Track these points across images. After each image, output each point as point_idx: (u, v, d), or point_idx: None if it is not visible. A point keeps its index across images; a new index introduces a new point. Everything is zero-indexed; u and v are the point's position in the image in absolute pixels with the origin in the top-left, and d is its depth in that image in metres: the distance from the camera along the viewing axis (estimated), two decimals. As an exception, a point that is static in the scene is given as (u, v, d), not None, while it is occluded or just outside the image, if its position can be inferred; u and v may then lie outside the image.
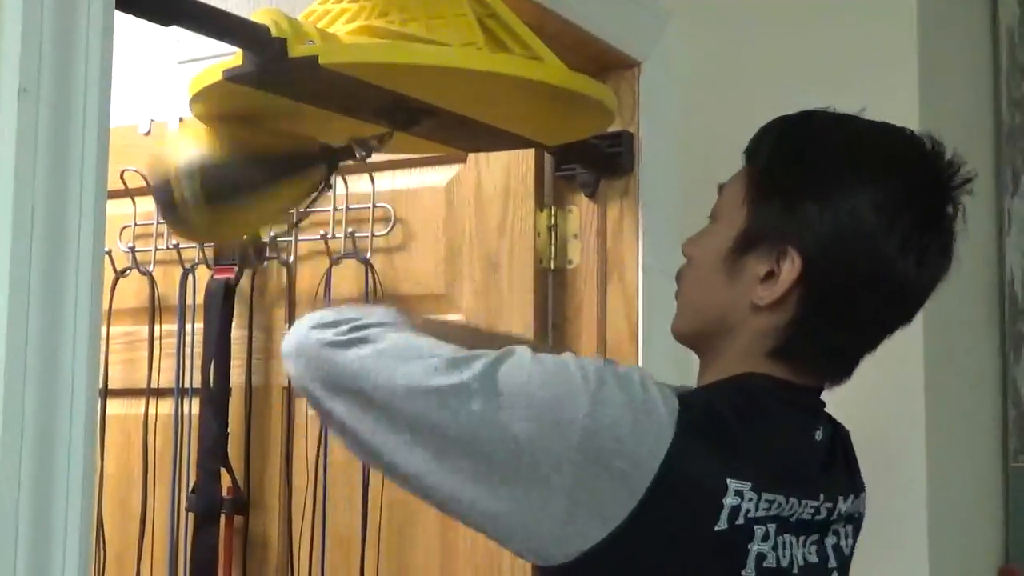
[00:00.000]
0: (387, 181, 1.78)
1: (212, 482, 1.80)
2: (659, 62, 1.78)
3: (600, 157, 1.71)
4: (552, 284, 1.75)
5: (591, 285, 1.74)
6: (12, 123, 0.84)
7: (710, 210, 1.15)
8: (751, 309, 1.07)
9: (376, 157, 1.72)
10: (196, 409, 1.83)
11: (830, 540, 1.10)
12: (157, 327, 1.92)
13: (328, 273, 1.80)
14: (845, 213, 1.02)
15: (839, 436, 1.15)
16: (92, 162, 0.88)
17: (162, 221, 1.66)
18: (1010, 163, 2.10)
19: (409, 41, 1.21)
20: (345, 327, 1.06)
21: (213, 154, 1.26)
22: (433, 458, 0.99)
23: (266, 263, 1.85)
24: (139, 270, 1.94)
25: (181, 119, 1.95)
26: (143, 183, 1.92)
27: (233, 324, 1.84)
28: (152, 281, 1.93)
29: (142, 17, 1.02)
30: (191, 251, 1.89)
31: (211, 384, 1.81)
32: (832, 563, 1.09)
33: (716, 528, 0.97)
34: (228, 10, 1.13)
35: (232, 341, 1.84)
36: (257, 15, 1.16)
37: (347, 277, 1.80)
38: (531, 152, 1.70)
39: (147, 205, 1.95)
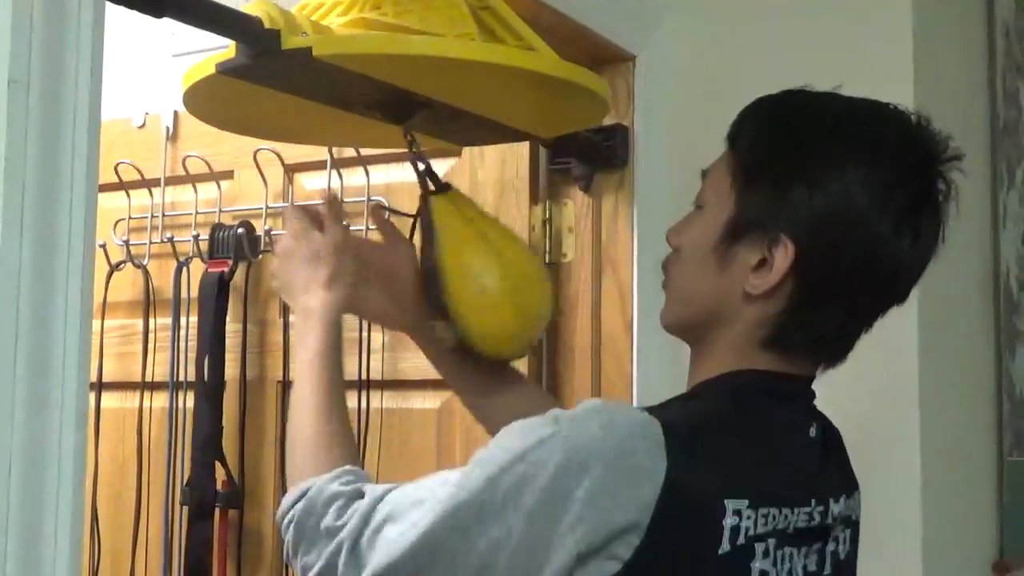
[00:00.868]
0: (381, 174, 1.77)
1: (206, 475, 1.80)
2: (654, 56, 1.78)
3: (595, 151, 1.71)
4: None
5: (586, 278, 1.73)
6: (2, 115, 0.83)
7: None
8: (744, 298, 1.04)
9: (370, 151, 1.73)
10: (191, 402, 1.83)
11: (830, 547, 1.08)
12: (152, 320, 1.92)
13: (323, 266, 1.79)
14: (837, 196, 1.00)
15: (830, 432, 1.14)
16: (83, 154, 0.88)
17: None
18: (1005, 158, 2.10)
19: (403, 33, 1.21)
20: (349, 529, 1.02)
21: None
22: None
23: (260, 256, 1.85)
24: (133, 263, 1.94)
25: (175, 112, 1.95)
26: (137, 176, 1.93)
27: (227, 318, 1.84)
28: (146, 274, 1.93)
29: (134, 8, 1.02)
30: (185, 245, 1.89)
31: (205, 377, 1.81)
32: (827, 570, 1.07)
33: (720, 551, 0.95)
34: (221, 2, 1.13)
35: (227, 335, 1.84)
36: (250, 7, 1.15)
37: (342, 270, 1.79)
38: (526, 146, 1.70)
39: (141, 199, 1.95)
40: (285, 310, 1.83)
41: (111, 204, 1.92)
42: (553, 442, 0.94)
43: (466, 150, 1.72)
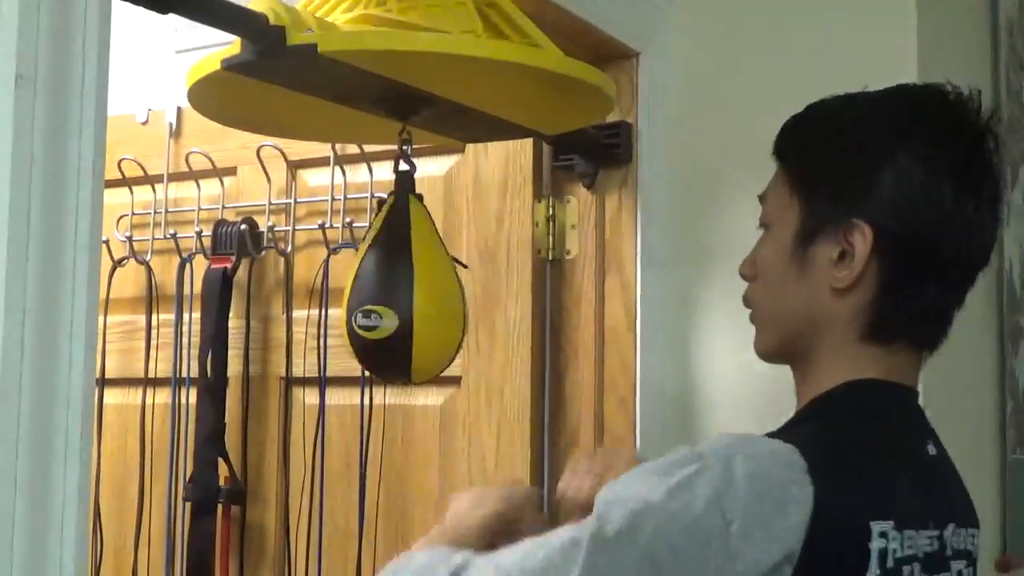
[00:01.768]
0: (385, 171, 1.77)
1: (209, 472, 1.80)
2: (658, 52, 1.78)
3: (598, 147, 1.71)
4: (550, 274, 1.75)
5: (589, 275, 1.73)
6: (8, 110, 0.84)
7: (757, 219, 1.12)
8: (833, 295, 1.04)
9: (374, 147, 1.73)
10: (193, 399, 1.84)
11: None
12: (154, 316, 1.92)
13: (325, 263, 1.80)
14: (894, 172, 1.02)
15: (944, 453, 1.11)
16: (89, 149, 0.88)
17: None
18: (1009, 155, 2.10)
19: (408, 29, 1.21)
20: None
21: None
22: None
23: (263, 252, 1.85)
24: (136, 259, 1.94)
25: (179, 108, 1.95)
26: (140, 172, 1.93)
27: (230, 314, 1.84)
28: (149, 270, 1.93)
29: (139, 4, 1.02)
30: (188, 241, 1.89)
31: (208, 374, 1.81)
32: None
33: None
34: (226, -2, 1.13)
35: (229, 331, 1.84)
36: (255, 3, 1.15)
37: (344, 267, 1.80)
38: (529, 142, 1.70)
39: (144, 195, 1.95)
40: (288, 306, 1.83)
41: (114, 200, 1.92)
42: (699, 478, 0.92)
43: (470, 146, 1.72)
